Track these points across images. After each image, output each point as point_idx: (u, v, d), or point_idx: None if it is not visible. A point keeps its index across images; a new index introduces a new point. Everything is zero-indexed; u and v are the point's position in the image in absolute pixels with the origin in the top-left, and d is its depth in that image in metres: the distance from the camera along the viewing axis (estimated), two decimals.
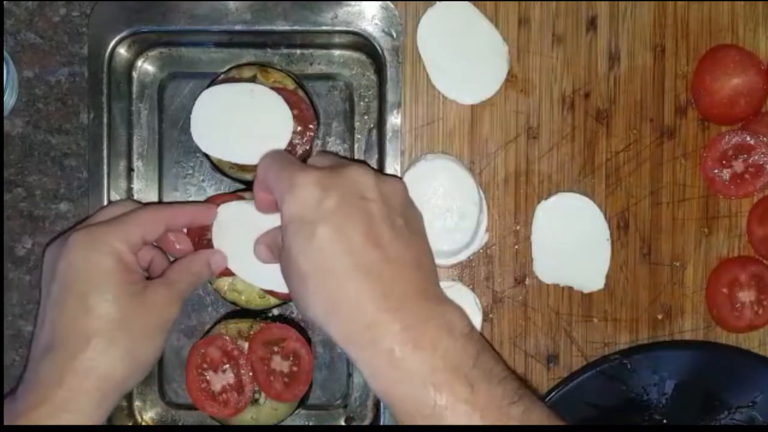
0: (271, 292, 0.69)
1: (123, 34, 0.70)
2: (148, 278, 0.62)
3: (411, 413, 0.51)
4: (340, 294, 0.53)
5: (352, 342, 0.53)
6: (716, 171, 0.71)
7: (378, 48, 0.70)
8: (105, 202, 0.70)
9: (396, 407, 0.52)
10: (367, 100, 0.74)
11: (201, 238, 0.69)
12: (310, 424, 0.74)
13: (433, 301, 0.54)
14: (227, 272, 0.69)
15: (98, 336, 0.56)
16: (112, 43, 0.70)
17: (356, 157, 0.74)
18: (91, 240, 0.58)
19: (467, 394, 0.50)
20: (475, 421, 0.50)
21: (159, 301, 0.59)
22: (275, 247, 0.61)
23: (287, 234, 0.55)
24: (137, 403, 0.74)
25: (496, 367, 0.53)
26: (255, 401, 0.69)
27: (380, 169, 0.71)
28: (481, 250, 0.72)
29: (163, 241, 0.65)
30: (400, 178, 0.58)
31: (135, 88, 0.74)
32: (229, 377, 0.69)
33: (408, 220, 0.57)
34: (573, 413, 0.71)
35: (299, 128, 0.69)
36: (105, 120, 0.70)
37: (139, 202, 0.67)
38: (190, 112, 0.69)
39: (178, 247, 0.65)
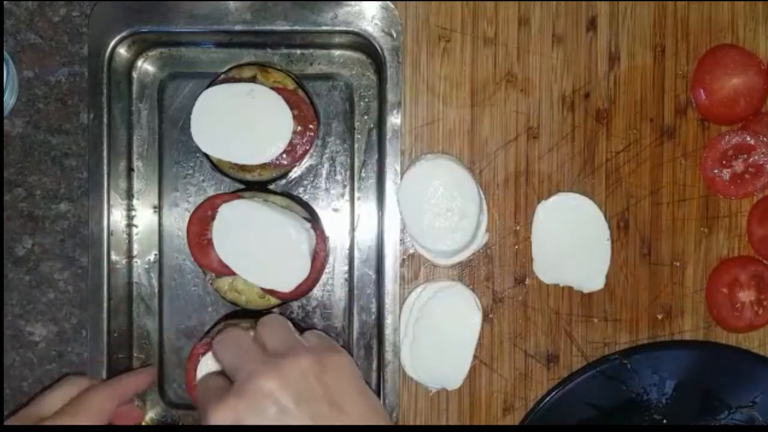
0: (271, 292, 0.69)
1: (123, 34, 0.70)
2: None
3: None
4: None
5: None
6: (716, 171, 0.71)
7: (378, 48, 0.70)
8: (105, 202, 0.70)
9: None
10: (367, 100, 0.74)
11: (201, 238, 0.69)
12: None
13: None
14: (227, 272, 0.69)
15: None
16: (112, 43, 0.70)
17: (356, 157, 0.74)
18: None
19: None
20: None
21: None
22: None
23: None
24: (137, 404, 0.74)
25: None
26: None
27: (380, 169, 0.71)
28: (481, 250, 0.72)
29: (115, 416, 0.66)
30: (303, 352, 0.57)
31: (135, 88, 0.74)
32: None
33: (338, 391, 0.56)
34: (573, 413, 0.71)
35: (299, 128, 0.69)
36: (105, 120, 0.70)
37: (82, 375, 0.68)
38: (190, 112, 0.69)
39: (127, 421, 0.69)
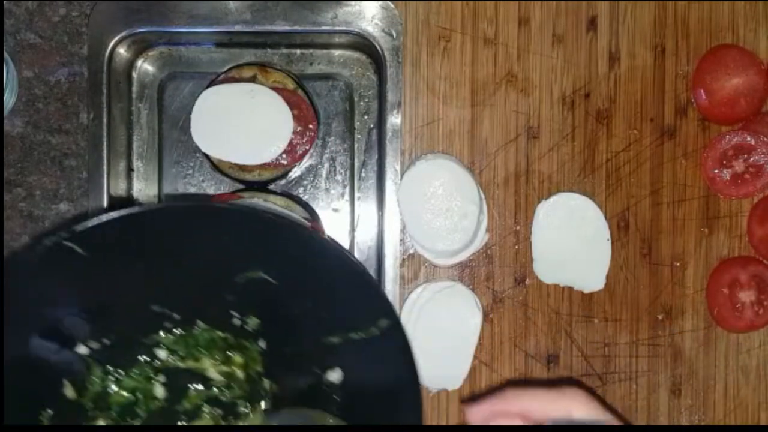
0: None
1: (123, 34, 0.70)
2: None
3: None
4: None
5: None
6: (716, 171, 0.71)
7: (378, 48, 0.70)
8: (105, 203, 0.70)
9: None
10: (367, 100, 0.74)
11: None
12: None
13: None
14: None
15: None
16: (111, 43, 0.70)
17: (356, 157, 0.74)
18: None
19: None
20: None
21: None
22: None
23: None
24: None
25: None
26: None
27: (380, 169, 0.71)
28: (481, 250, 0.71)
29: None
30: None
31: (135, 88, 0.74)
32: None
33: None
34: None
35: (299, 128, 0.69)
36: (105, 120, 0.70)
37: None
38: (190, 112, 0.69)
39: None
